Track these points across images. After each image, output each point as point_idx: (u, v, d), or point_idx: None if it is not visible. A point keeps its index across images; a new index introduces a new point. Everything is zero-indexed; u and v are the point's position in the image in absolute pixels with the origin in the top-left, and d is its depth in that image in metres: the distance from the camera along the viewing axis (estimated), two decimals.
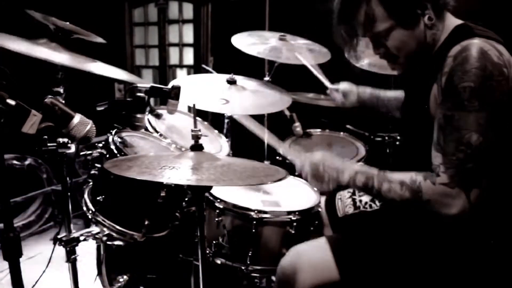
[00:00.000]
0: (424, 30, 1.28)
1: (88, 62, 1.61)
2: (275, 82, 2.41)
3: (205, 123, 2.28)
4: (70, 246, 1.67)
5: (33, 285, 1.70)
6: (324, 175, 1.37)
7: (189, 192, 1.69)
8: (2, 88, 1.16)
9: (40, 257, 2.77)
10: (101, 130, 1.49)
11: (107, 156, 1.68)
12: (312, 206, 1.68)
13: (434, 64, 1.26)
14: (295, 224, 1.60)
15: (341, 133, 2.58)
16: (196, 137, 1.26)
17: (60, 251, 1.68)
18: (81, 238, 1.70)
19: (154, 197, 1.60)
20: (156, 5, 4.26)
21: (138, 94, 1.62)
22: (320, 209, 1.72)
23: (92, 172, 1.73)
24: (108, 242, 1.83)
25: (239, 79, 2.21)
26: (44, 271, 1.70)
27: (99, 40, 1.83)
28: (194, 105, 1.31)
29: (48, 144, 1.41)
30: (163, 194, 1.59)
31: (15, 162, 3.16)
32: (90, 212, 1.65)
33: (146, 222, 1.59)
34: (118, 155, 1.64)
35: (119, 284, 1.88)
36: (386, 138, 2.53)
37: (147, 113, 2.01)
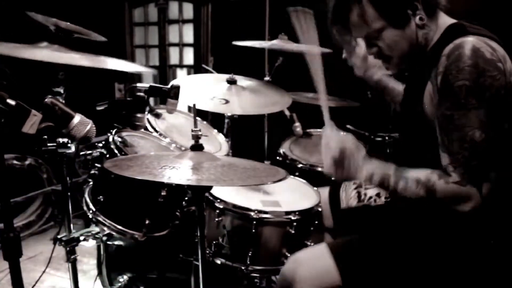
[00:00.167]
0: (415, 30, 1.29)
1: (98, 58, 1.62)
2: (275, 82, 2.42)
3: (204, 122, 2.29)
4: (70, 246, 1.68)
5: (33, 285, 1.70)
6: (345, 163, 1.34)
7: (189, 192, 1.69)
8: (2, 88, 1.16)
9: (40, 257, 2.77)
10: (101, 130, 1.49)
11: (107, 155, 1.68)
12: (312, 206, 1.68)
13: (428, 62, 1.27)
14: (295, 224, 1.60)
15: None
16: (196, 137, 1.26)
17: (60, 251, 1.68)
18: (81, 238, 1.71)
19: (155, 197, 1.60)
20: (156, 5, 4.25)
21: (138, 93, 1.63)
22: (320, 209, 1.71)
23: (92, 172, 1.73)
24: (108, 242, 1.84)
25: (239, 79, 2.21)
26: (44, 271, 1.70)
27: (100, 38, 1.83)
28: (194, 105, 1.31)
29: (48, 144, 1.41)
30: (164, 193, 1.59)
31: (15, 162, 3.16)
32: (91, 211, 1.65)
33: (147, 222, 1.59)
34: (118, 154, 1.64)
35: (119, 284, 1.88)
36: (386, 138, 2.53)
37: (146, 112, 2.01)
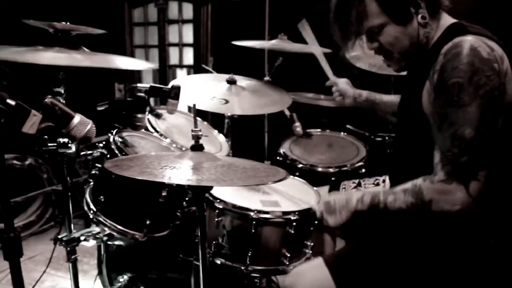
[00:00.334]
0: (417, 28, 1.30)
1: (95, 57, 1.62)
2: (275, 82, 2.42)
3: (205, 123, 2.29)
4: (71, 246, 1.68)
5: (34, 285, 1.70)
6: (336, 206, 1.40)
7: (190, 192, 1.69)
8: (3, 88, 1.16)
9: (41, 257, 2.77)
10: (102, 130, 1.49)
11: (108, 156, 1.69)
12: (309, 206, 1.68)
13: (427, 61, 1.27)
14: (294, 224, 1.60)
15: (341, 133, 2.59)
16: (196, 137, 1.26)
17: (61, 251, 1.68)
18: (82, 238, 1.71)
19: (156, 197, 1.60)
20: (156, 5, 4.25)
21: (138, 94, 1.63)
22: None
23: (93, 172, 1.73)
24: (109, 242, 1.84)
25: (239, 79, 2.21)
26: (44, 271, 1.70)
27: (98, 31, 1.82)
28: (194, 105, 1.31)
29: (49, 144, 1.41)
30: (164, 193, 1.59)
31: (15, 162, 3.16)
32: (92, 212, 1.65)
33: (147, 222, 1.59)
34: (119, 155, 1.64)
35: (119, 284, 1.88)
36: (386, 138, 2.53)
37: (147, 113, 2.01)
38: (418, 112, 1.29)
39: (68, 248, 1.68)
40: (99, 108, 1.61)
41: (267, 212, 1.61)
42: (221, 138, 2.21)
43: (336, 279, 1.35)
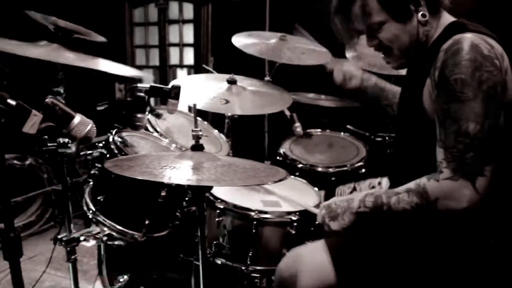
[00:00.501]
0: (417, 26, 1.31)
1: (92, 60, 1.62)
2: (275, 82, 2.41)
3: (205, 122, 2.29)
4: (70, 246, 1.68)
5: (34, 285, 1.70)
6: (337, 210, 1.38)
7: (190, 192, 1.69)
8: (3, 88, 1.16)
9: (41, 257, 2.77)
10: (102, 130, 1.49)
11: (108, 156, 1.69)
12: (309, 210, 1.68)
13: (427, 59, 1.27)
14: (295, 224, 1.60)
15: (342, 133, 2.59)
16: (196, 137, 1.26)
17: (61, 251, 1.68)
18: (82, 238, 1.71)
19: (155, 197, 1.60)
20: (156, 5, 4.25)
21: (138, 94, 1.63)
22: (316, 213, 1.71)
23: (93, 172, 1.73)
24: (109, 242, 1.84)
25: (239, 79, 2.21)
26: (44, 271, 1.70)
27: (100, 38, 1.82)
28: (194, 105, 1.31)
29: (49, 144, 1.41)
30: (163, 193, 1.59)
31: (15, 162, 3.16)
32: (91, 212, 1.65)
33: (147, 222, 1.59)
34: (118, 154, 1.64)
35: (119, 284, 1.88)
36: (387, 138, 2.53)
37: (147, 113, 2.01)
38: (419, 110, 1.29)
39: (68, 248, 1.68)
40: (99, 108, 1.61)
41: (268, 212, 1.61)
42: (221, 138, 2.21)
43: (336, 266, 1.34)
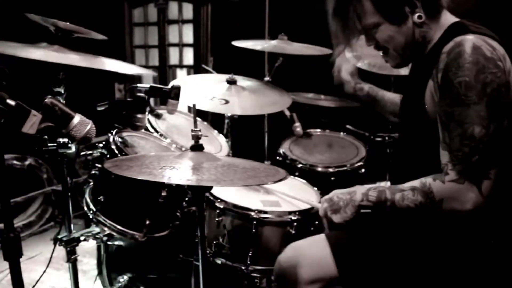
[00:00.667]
0: (412, 28, 1.31)
1: (95, 59, 1.62)
2: (275, 82, 2.42)
3: (205, 123, 2.29)
4: (71, 246, 1.68)
5: (34, 285, 1.70)
6: (339, 202, 1.37)
7: (190, 192, 1.69)
8: (2, 89, 1.16)
9: (41, 257, 2.77)
10: (102, 130, 1.49)
11: (108, 156, 1.69)
12: (312, 206, 1.68)
13: (429, 61, 1.27)
14: (295, 224, 1.61)
15: (341, 133, 2.59)
16: (196, 137, 1.26)
17: (61, 251, 1.68)
18: (82, 238, 1.71)
19: (155, 197, 1.60)
20: (156, 5, 4.25)
21: (138, 94, 1.63)
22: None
23: (93, 172, 1.73)
24: (109, 242, 1.84)
25: (239, 79, 2.21)
26: (44, 271, 1.70)
27: (100, 37, 1.82)
28: (194, 105, 1.31)
29: (48, 144, 1.41)
30: (164, 193, 1.59)
31: (15, 162, 3.16)
32: (91, 212, 1.65)
33: (147, 222, 1.59)
34: (118, 155, 1.64)
35: (119, 284, 1.88)
36: (386, 138, 2.53)
37: (147, 113, 2.01)
38: (421, 112, 1.29)
39: (68, 248, 1.68)
40: (99, 108, 1.61)
41: (267, 212, 1.61)
42: (221, 138, 2.21)
43: (337, 259, 1.34)
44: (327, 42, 2.26)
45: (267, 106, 2.16)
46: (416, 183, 1.25)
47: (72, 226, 1.71)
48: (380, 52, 1.42)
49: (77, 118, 1.26)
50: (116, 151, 1.66)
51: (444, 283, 1.29)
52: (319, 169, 2.24)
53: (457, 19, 1.33)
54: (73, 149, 1.47)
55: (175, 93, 1.67)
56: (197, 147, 1.26)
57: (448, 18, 1.34)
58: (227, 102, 2.05)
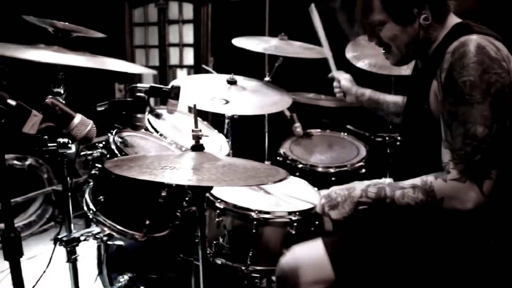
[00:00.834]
0: (418, 29, 1.31)
1: (96, 59, 1.62)
2: (275, 82, 2.42)
3: (205, 123, 2.29)
4: (71, 246, 1.68)
5: (34, 285, 1.70)
6: (337, 198, 1.37)
7: (190, 192, 1.69)
8: (3, 89, 1.16)
9: (41, 257, 2.77)
10: (102, 130, 1.49)
11: (108, 156, 1.68)
12: (313, 206, 1.68)
13: (433, 61, 1.27)
14: (295, 224, 1.60)
15: (342, 133, 2.59)
16: (196, 137, 1.26)
17: (61, 251, 1.68)
18: (82, 238, 1.71)
19: (155, 197, 1.60)
20: (156, 5, 4.25)
21: (138, 94, 1.63)
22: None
23: (93, 172, 1.73)
24: (109, 242, 1.84)
25: (239, 79, 2.21)
26: (44, 271, 1.69)
27: (99, 35, 1.82)
28: (194, 105, 1.31)
29: (49, 144, 1.41)
30: (164, 193, 1.59)
31: (15, 162, 3.16)
32: (91, 212, 1.65)
33: (147, 222, 1.59)
34: (118, 155, 1.64)
35: (119, 284, 1.88)
36: (387, 138, 2.53)
37: (147, 113, 2.01)
38: (425, 112, 1.29)
39: (68, 248, 1.68)
40: (99, 108, 1.61)
41: (268, 212, 1.61)
42: (221, 138, 2.21)
43: (333, 264, 1.35)
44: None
45: (267, 106, 2.16)
46: (417, 181, 1.25)
47: (72, 226, 1.71)
48: (381, 49, 1.42)
49: (78, 118, 1.26)
50: (116, 151, 1.66)
51: (440, 284, 1.29)
52: (320, 169, 2.24)
53: (460, 20, 1.34)
54: (73, 149, 1.48)
55: (175, 93, 1.67)
56: (197, 147, 1.26)
57: (452, 19, 1.34)
58: (227, 102, 2.05)
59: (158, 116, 2.05)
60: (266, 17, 3.50)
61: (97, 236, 1.75)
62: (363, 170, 2.27)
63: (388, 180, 1.69)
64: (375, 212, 1.39)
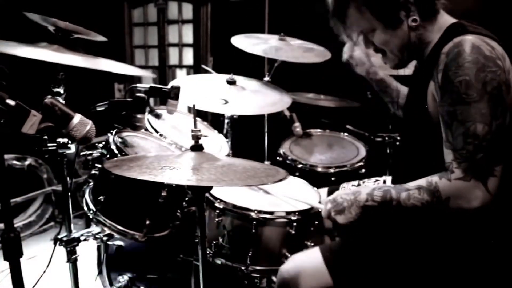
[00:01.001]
0: (407, 31, 1.32)
1: (95, 60, 1.62)
2: (275, 82, 2.42)
3: (204, 123, 2.29)
4: (71, 246, 1.68)
5: (34, 285, 1.70)
6: (343, 203, 1.37)
7: (190, 192, 1.69)
8: (2, 88, 1.16)
9: (41, 257, 2.77)
10: (101, 130, 1.49)
11: (108, 156, 1.68)
12: (312, 206, 1.68)
13: (429, 62, 1.28)
14: (295, 224, 1.60)
15: (341, 133, 2.59)
16: (196, 137, 1.26)
17: (61, 251, 1.68)
18: (82, 238, 1.71)
19: (155, 197, 1.60)
20: (155, 5, 4.25)
21: (138, 94, 1.63)
22: (320, 209, 1.71)
23: (93, 172, 1.73)
24: (109, 242, 1.84)
25: (239, 79, 2.21)
26: (44, 271, 1.69)
27: (100, 38, 1.82)
28: (194, 105, 1.31)
29: (48, 144, 1.41)
30: (164, 194, 1.59)
31: (15, 162, 3.16)
32: (91, 212, 1.65)
33: (147, 222, 1.59)
34: (118, 155, 1.64)
35: (119, 284, 1.88)
36: (386, 138, 2.53)
37: (147, 113, 2.01)
38: (423, 112, 1.29)
39: (68, 248, 1.68)
40: (99, 109, 1.61)
41: (267, 212, 1.61)
42: (221, 138, 2.21)
43: (331, 271, 1.36)
44: (327, 43, 2.27)
45: (267, 106, 2.16)
46: (422, 182, 1.25)
47: (72, 226, 1.71)
48: (378, 54, 1.43)
49: (77, 118, 1.26)
50: (116, 151, 1.66)
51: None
52: (319, 169, 2.24)
53: (455, 20, 1.34)
54: (73, 149, 1.48)
55: (175, 93, 1.67)
56: (197, 147, 1.26)
57: (446, 19, 1.34)
58: (227, 102, 2.05)
59: (157, 116, 2.05)
60: (266, 17, 3.50)
61: (97, 236, 1.75)
62: (363, 170, 2.27)
63: (387, 178, 1.69)
64: (378, 217, 1.39)
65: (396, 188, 1.29)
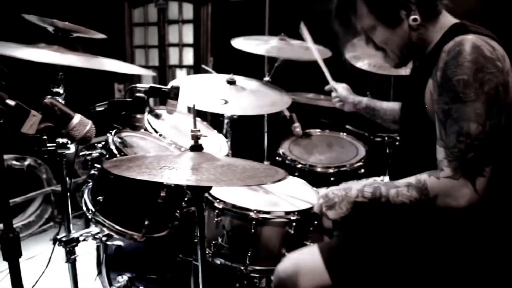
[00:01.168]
0: (408, 31, 1.33)
1: (95, 59, 1.63)
2: (275, 82, 2.42)
3: (204, 123, 2.29)
4: (70, 246, 1.68)
5: (33, 286, 1.70)
6: (334, 199, 1.38)
7: (189, 192, 1.69)
8: (2, 89, 1.16)
9: (40, 258, 2.77)
10: (101, 131, 1.49)
11: (107, 156, 1.68)
12: (312, 206, 1.68)
13: (430, 61, 1.28)
14: (294, 224, 1.60)
15: (341, 133, 2.59)
16: (195, 137, 1.26)
17: (60, 251, 1.68)
18: (81, 238, 1.71)
19: (154, 197, 1.60)
20: (156, 5, 4.26)
21: (138, 94, 1.63)
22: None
23: (92, 172, 1.73)
24: (108, 242, 1.84)
25: (239, 79, 2.21)
26: (44, 272, 1.69)
27: (99, 36, 1.82)
28: (194, 105, 1.31)
29: (48, 145, 1.41)
30: (163, 194, 1.59)
31: (14, 162, 3.16)
32: (90, 212, 1.65)
33: (146, 222, 1.59)
34: (117, 155, 1.64)
35: (119, 284, 1.88)
36: (386, 138, 2.53)
37: (146, 113, 2.01)
38: (421, 111, 1.30)
39: (67, 248, 1.68)
40: (99, 109, 1.61)
41: (267, 212, 1.61)
42: (221, 138, 2.21)
43: (329, 269, 1.36)
44: (327, 43, 2.27)
45: (267, 106, 2.16)
46: (411, 179, 1.25)
47: (71, 226, 1.71)
48: (379, 52, 1.44)
49: (77, 118, 1.26)
50: (115, 152, 1.66)
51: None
52: (319, 169, 2.24)
53: (457, 20, 1.34)
54: (72, 149, 1.47)
55: (175, 93, 1.67)
56: (196, 147, 1.26)
57: (448, 20, 1.34)
58: (226, 102, 2.05)
59: (157, 116, 2.05)
60: (266, 18, 3.51)
61: (96, 236, 1.75)
62: (362, 170, 2.27)
63: (385, 179, 1.69)
64: (371, 215, 1.39)
65: (386, 185, 1.30)
